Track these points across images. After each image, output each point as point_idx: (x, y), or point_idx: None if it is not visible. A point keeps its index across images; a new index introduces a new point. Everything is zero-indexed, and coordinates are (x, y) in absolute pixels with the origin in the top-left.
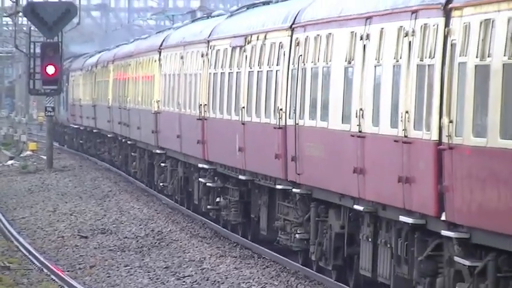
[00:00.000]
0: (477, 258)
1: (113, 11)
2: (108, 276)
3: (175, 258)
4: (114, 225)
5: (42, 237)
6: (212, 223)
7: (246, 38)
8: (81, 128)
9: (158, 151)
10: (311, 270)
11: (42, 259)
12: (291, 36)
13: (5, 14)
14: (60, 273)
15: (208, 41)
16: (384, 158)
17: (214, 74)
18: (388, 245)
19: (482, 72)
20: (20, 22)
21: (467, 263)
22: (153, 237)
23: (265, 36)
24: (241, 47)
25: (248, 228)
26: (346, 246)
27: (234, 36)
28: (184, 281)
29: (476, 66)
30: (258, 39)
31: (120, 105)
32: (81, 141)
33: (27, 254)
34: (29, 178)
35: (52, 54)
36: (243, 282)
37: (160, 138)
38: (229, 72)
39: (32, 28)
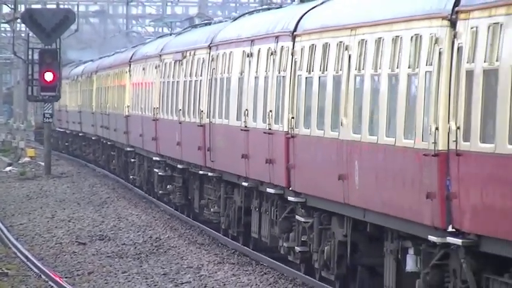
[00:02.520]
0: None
1: (111, 17)
2: (106, 283)
3: (173, 265)
4: (112, 232)
5: (40, 244)
6: (210, 230)
7: (183, 54)
8: (67, 131)
9: (129, 149)
10: (309, 277)
11: (40, 265)
12: (209, 53)
13: (3, 21)
14: (58, 280)
15: (160, 55)
16: (256, 145)
17: (163, 82)
18: (267, 212)
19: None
20: (18, 29)
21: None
22: (151, 244)
23: (194, 53)
24: (179, 60)
25: (190, 209)
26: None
27: (176, 52)
28: None
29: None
30: (190, 55)
31: (101, 111)
32: (66, 143)
33: (25, 260)
34: (27, 184)
35: (50, 61)
36: None
37: (130, 138)
38: (172, 82)
39: (30, 35)
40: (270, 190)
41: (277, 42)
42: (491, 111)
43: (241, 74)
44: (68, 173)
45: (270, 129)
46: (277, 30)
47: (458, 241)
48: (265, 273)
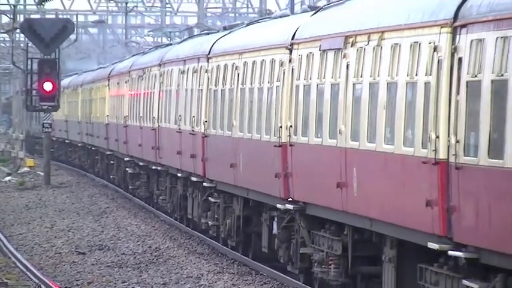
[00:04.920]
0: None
1: (110, 27)
2: None
3: (173, 275)
4: (111, 242)
5: (40, 254)
6: (210, 240)
7: (143, 70)
8: (53, 138)
9: (108, 152)
10: (307, 286)
11: (39, 275)
12: (159, 70)
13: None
14: None
15: (129, 71)
16: (185, 144)
17: (131, 94)
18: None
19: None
20: (17, 38)
21: None
22: (150, 254)
23: (150, 70)
24: (141, 76)
25: (151, 201)
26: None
27: (139, 69)
28: None
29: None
30: (148, 71)
31: (87, 121)
32: (52, 150)
33: (24, 270)
34: (27, 194)
35: (49, 71)
36: None
37: (110, 143)
38: (136, 94)
39: (29, 44)
40: (193, 178)
41: (198, 62)
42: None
43: (177, 87)
44: (67, 183)
45: (193, 131)
46: (199, 53)
47: (290, 206)
48: (265, 283)
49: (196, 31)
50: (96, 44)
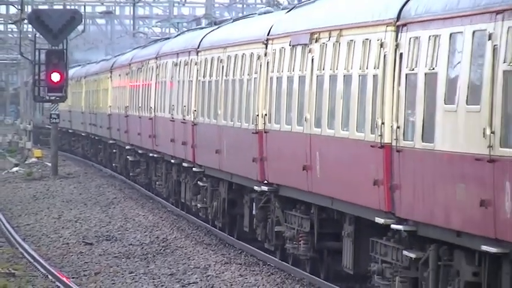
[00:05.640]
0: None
1: (117, 18)
2: (113, 283)
3: (180, 265)
4: (119, 232)
5: (47, 244)
6: (217, 230)
7: (142, 63)
8: (57, 128)
9: (111, 141)
10: (316, 278)
11: (47, 266)
12: (156, 62)
13: (10, 21)
14: (65, 280)
15: (130, 64)
16: (178, 132)
17: (131, 86)
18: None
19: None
20: (25, 29)
21: None
22: (158, 244)
23: (148, 62)
24: (140, 68)
25: (151, 187)
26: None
27: (138, 61)
28: None
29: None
30: (146, 64)
31: (90, 111)
32: None
33: (32, 260)
34: (34, 185)
35: (57, 62)
36: None
37: (112, 132)
38: (136, 85)
39: (37, 35)
40: (184, 164)
41: (189, 55)
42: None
43: (171, 79)
44: (74, 173)
45: (184, 119)
46: (189, 47)
47: (265, 188)
48: (272, 274)
49: (204, 22)
50: (103, 35)
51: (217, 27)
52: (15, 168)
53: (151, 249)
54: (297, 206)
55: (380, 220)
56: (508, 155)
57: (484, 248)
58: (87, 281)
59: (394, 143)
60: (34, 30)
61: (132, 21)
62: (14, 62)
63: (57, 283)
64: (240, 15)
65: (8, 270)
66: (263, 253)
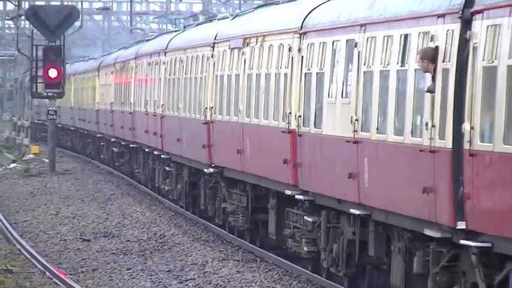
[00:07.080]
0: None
1: (115, 14)
2: (111, 280)
3: (178, 262)
4: (116, 229)
5: (45, 241)
6: (215, 227)
7: (124, 62)
8: (46, 123)
9: (99, 135)
10: (315, 275)
11: (44, 262)
12: (135, 62)
13: (7, 18)
14: (62, 277)
15: (115, 63)
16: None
17: (116, 83)
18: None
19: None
20: (22, 25)
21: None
22: (155, 241)
23: (129, 62)
24: (122, 68)
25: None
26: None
27: (121, 61)
28: (186, 285)
29: None
30: (127, 63)
31: (79, 107)
32: (44, 134)
33: (29, 257)
34: (31, 181)
35: (54, 58)
36: (246, 286)
37: (100, 127)
38: (119, 83)
39: (34, 31)
40: (155, 152)
41: (159, 56)
42: None
43: (146, 77)
44: (72, 170)
45: (155, 112)
46: (159, 49)
47: (212, 170)
48: (270, 270)
49: (201, 18)
50: (101, 31)
51: (182, 31)
52: (12, 165)
53: (149, 246)
54: (237, 185)
55: (288, 192)
56: (366, 137)
57: (352, 210)
58: (85, 277)
59: (297, 129)
60: (31, 26)
61: (129, 17)
62: (12, 58)
63: (55, 279)
64: (237, 10)
65: (5, 266)
66: (261, 249)
